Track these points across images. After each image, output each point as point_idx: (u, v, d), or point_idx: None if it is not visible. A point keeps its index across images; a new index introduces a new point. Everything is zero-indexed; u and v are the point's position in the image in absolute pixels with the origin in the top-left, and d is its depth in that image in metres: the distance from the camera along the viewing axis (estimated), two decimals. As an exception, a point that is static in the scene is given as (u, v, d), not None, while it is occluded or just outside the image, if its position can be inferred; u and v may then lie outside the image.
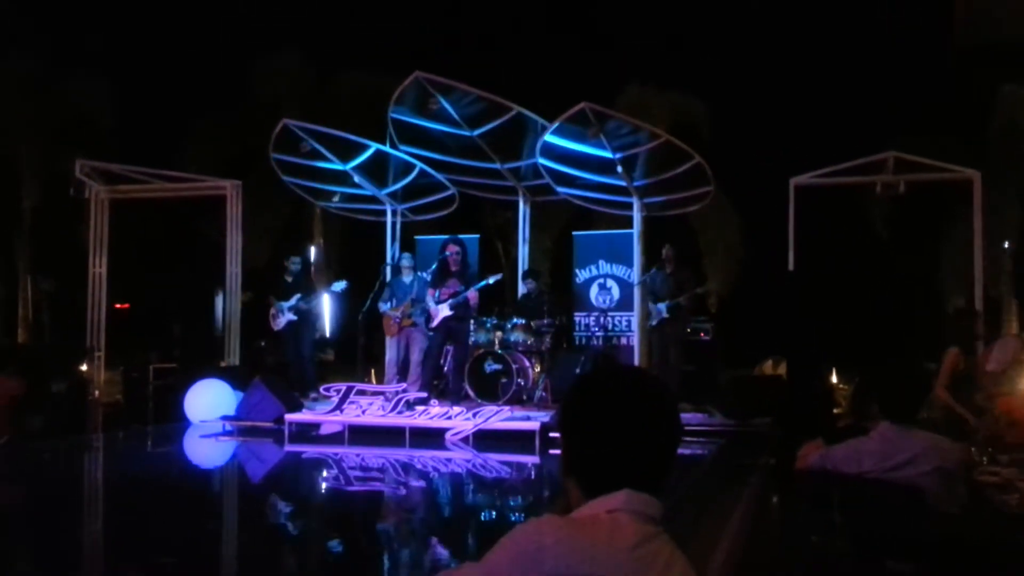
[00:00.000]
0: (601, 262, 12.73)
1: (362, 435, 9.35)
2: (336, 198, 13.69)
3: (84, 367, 13.05)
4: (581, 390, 1.76)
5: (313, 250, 19.12)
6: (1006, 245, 17.95)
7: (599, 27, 24.12)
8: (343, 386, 9.92)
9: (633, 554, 1.57)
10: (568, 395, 1.78)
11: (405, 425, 9.30)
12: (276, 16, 22.24)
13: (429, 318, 10.60)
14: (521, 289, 12.24)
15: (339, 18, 23.43)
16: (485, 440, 8.95)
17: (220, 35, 21.28)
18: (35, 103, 18.49)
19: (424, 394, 10.16)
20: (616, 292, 12.53)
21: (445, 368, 11.13)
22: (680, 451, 1.74)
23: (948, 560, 3.27)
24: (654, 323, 11.11)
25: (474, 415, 9.19)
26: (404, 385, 10.36)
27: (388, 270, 12.33)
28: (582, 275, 12.85)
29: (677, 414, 1.74)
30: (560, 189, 12.42)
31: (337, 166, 12.45)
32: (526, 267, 12.84)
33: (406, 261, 11.35)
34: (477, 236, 13.35)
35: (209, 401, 10.30)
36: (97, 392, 12.92)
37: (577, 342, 12.56)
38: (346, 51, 20.17)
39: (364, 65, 18.99)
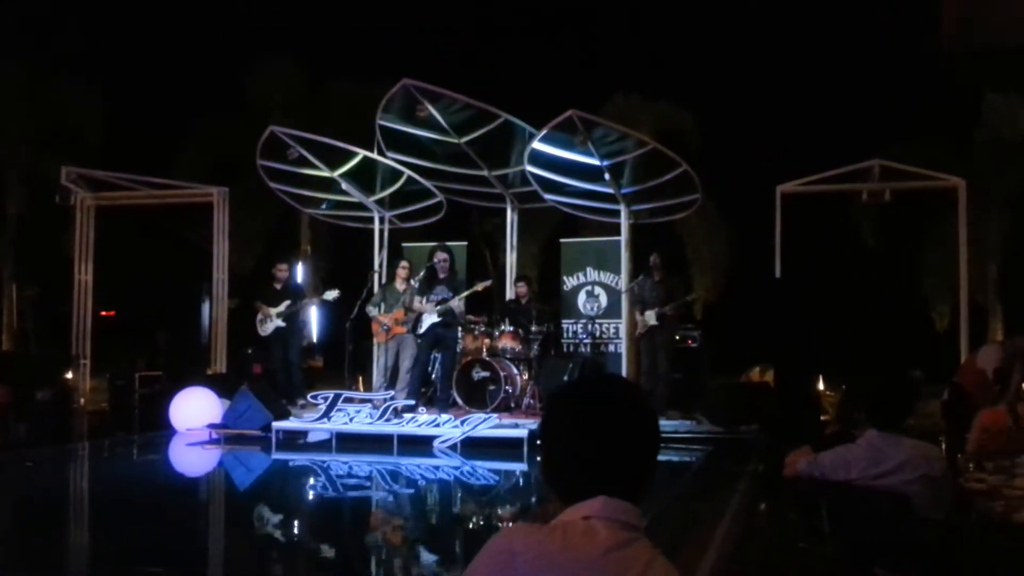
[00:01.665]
0: (589, 269, 12.73)
1: (350, 443, 9.33)
2: (323, 205, 13.69)
3: (69, 375, 12.99)
4: (557, 397, 1.78)
5: (300, 257, 19.07)
6: (990, 252, 18.03)
7: (586, 37, 24.19)
8: (331, 393, 9.89)
9: (605, 559, 1.56)
10: (546, 403, 1.76)
11: (393, 433, 9.29)
12: (266, 23, 22.21)
13: (417, 325, 10.59)
14: (510, 294, 12.23)
15: (329, 26, 23.43)
16: (473, 447, 8.94)
17: (209, 41, 21.23)
18: (21, 109, 18.40)
19: (412, 401, 10.15)
20: (604, 299, 12.53)
21: (433, 375, 11.11)
22: (668, 458, 1.74)
23: (935, 566, 3.28)
24: (642, 330, 11.12)
25: (462, 423, 9.18)
26: (392, 392, 10.34)
27: (375, 277, 12.32)
28: (570, 282, 12.85)
29: (654, 421, 1.74)
30: (548, 196, 12.42)
31: (325, 173, 12.43)
32: (515, 274, 12.85)
33: (402, 270, 11.24)
34: (465, 243, 13.34)
35: (195, 409, 10.25)
36: (82, 400, 12.85)
37: (565, 349, 12.54)
38: (336, 59, 20.15)
39: (354, 72, 18.98)
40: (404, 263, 11.34)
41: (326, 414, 9.69)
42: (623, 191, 11.82)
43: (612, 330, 12.38)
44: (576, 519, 1.62)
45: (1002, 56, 13.26)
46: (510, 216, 13.35)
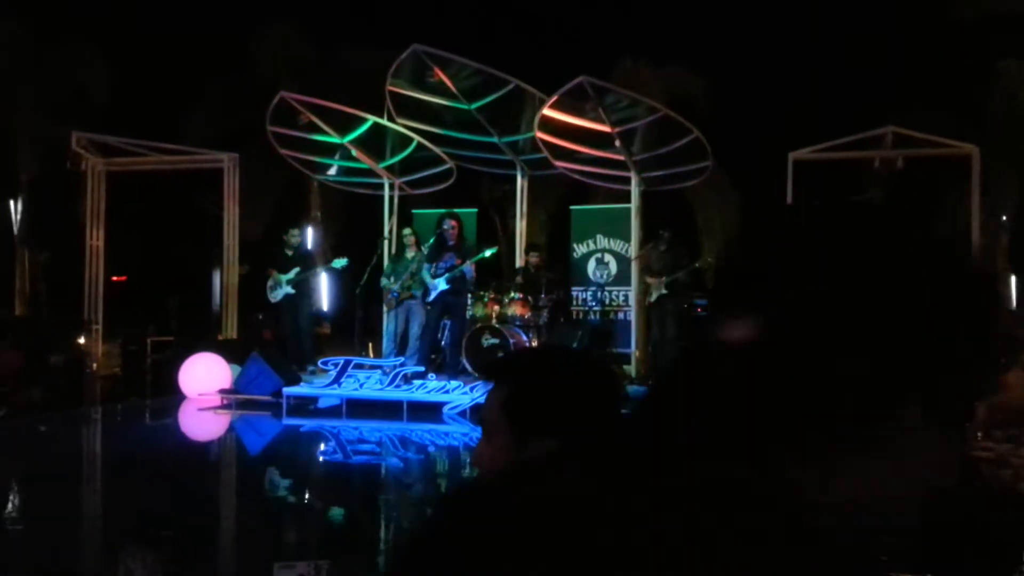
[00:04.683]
0: (599, 236, 12.71)
1: (360, 408, 9.39)
2: (332, 171, 13.67)
3: (82, 340, 13.06)
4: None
5: (311, 223, 19.07)
6: (1003, 219, 17.95)
7: (595, 2, 24.00)
8: (341, 359, 9.95)
9: None
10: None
11: (403, 399, 9.35)
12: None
13: (426, 292, 10.62)
14: (520, 261, 12.22)
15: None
16: (482, 414, 8.97)
17: (219, 6, 21.13)
18: (32, 74, 18.36)
19: (422, 368, 10.19)
20: (613, 267, 12.52)
21: (443, 342, 11.14)
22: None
23: (940, 535, 3.30)
24: (652, 298, 11.13)
25: (471, 389, 9.23)
26: (402, 359, 10.39)
27: (385, 243, 12.32)
28: (580, 249, 12.84)
29: None
30: (558, 163, 12.37)
31: (334, 139, 12.40)
32: (524, 241, 12.82)
33: (407, 239, 11.23)
34: (475, 210, 13.32)
35: (206, 374, 10.33)
36: (95, 365, 12.94)
37: (574, 316, 12.56)
38: (345, 24, 20.04)
39: (363, 39, 18.88)
40: (408, 232, 11.31)
41: (336, 380, 9.74)
42: (634, 158, 11.76)
43: (621, 297, 12.39)
44: None
45: (1013, 23, 13.12)
46: (520, 183, 13.30)
